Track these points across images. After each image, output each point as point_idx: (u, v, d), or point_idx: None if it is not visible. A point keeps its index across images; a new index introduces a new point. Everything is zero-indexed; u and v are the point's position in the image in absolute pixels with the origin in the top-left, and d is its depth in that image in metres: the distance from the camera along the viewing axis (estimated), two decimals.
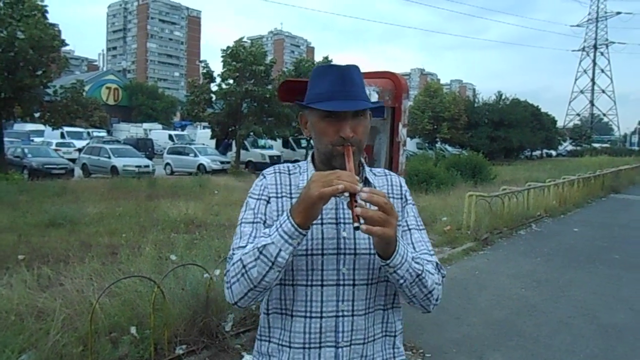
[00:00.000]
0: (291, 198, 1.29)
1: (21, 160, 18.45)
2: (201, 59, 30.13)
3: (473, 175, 16.52)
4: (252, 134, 23.57)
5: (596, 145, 63.31)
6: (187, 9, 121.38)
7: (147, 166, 19.88)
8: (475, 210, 8.83)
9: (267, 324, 1.31)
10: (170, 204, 10.90)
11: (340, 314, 1.24)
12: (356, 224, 1.06)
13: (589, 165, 24.12)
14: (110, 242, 7.13)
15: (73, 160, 21.36)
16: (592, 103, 79.81)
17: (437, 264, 1.30)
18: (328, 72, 1.27)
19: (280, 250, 1.12)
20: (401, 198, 1.37)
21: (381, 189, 1.35)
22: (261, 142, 26.63)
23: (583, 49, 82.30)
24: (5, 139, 19.21)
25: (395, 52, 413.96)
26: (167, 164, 23.65)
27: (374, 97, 3.34)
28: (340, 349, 1.23)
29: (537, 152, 51.67)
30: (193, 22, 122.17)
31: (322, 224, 1.25)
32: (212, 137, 25.59)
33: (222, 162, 23.05)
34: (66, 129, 28.23)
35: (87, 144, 25.97)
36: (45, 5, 17.21)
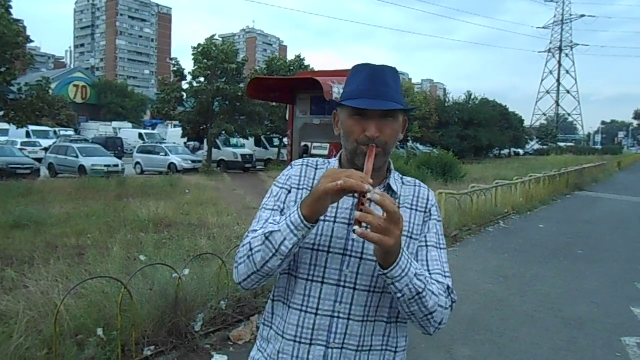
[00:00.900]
0: (310, 191, 1.26)
1: None
2: (172, 56, 29.80)
3: (443, 173, 16.76)
4: (224, 132, 23.38)
5: (561, 144, 65.16)
6: (158, 5, 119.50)
7: (117, 165, 19.49)
8: (445, 208, 8.97)
9: (271, 310, 1.33)
10: (139, 203, 10.73)
11: (336, 315, 1.23)
12: (356, 227, 1.03)
13: (555, 164, 24.75)
14: (77, 243, 6.98)
15: (39, 160, 20.77)
16: (557, 103, 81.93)
17: (448, 287, 1.26)
18: (361, 70, 1.27)
19: (284, 239, 1.13)
20: (425, 212, 1.33)
21: (405, 198, 1.33)
22: (233, 140, 26.45)
23: (549, 51, 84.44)
24: None
25: (368, 52, 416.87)
26: (137, 163, 23.24)
27: None
28: (330, 350, 1.22)
29: (506, 151, 52.78)
30: (164, 19, 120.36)
31: (334, 222, 1.25)
32: (183, 136, 25.29)
33: (193, 162, 22.79)
34: (32, 127, 27.57)
35: (54, 143, 25.33)
36: (9, 1, 16.73)
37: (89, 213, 9.56)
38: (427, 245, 1.30)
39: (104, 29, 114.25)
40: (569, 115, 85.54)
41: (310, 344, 1.23)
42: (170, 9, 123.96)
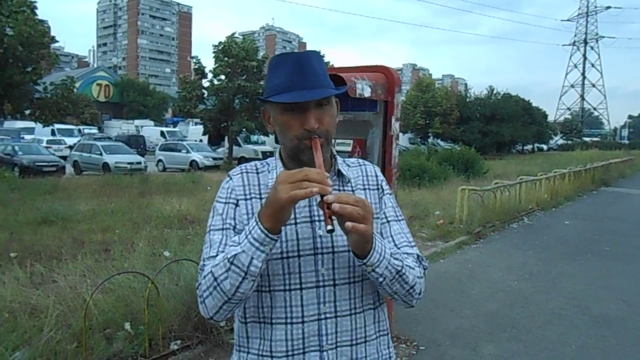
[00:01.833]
0: (261, 198, 1.22)
1: (12, 158, 18.27)
2: (192, 55, 30.04)
3: (465, 169, 16.61)
4: (244, 129, 23.51)
5: (587, 139, 63.84)
6: (178, 4, 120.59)
7: (139, 163, 19.77)
8: (468, 204, 8.88)
9: (245, 333, 1.23)
10: (163, 200, 10.86)
11: (323, 316, 1.18)
12: (329, 227, 1.00)
13: (580, 159, 24.29)
14: (103, 239, 7.10)
15: (64, 158, 21.22)
16: (582, 97, 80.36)
17: (418, 256, 1.25)
18: (284, 61, 1.19)
19: (252, 258, 1.05)
20: (378, 189, 1.31)
21: (356, 180, 1.30)
22: (254, 137, 26.58)
23: (573, 44, 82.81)
24: None
25: (387, 48, 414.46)
26: (159, 160, 23.55)
27: (367, 92, 3.34)
28: (325, 353, 1.17)
29: (529, 147, 52.03)
30: (184, 17, 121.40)
31: (296, 223, 1.18)
32: (204, 134, 25.51)
33: (214, 159, 22.99)
34: (57, 126, 28.12)
35: (79, 141, 25.79)
36: (35, 2, 17.10)
37: (113, 209, 9.71)
38: (388, 221, 1.28)
39: (126, 28, 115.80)
40: (595, 109, 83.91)
41: (304, 353, 1.17)
42: (191, 7, 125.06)
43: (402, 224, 1.30)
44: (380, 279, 1.14)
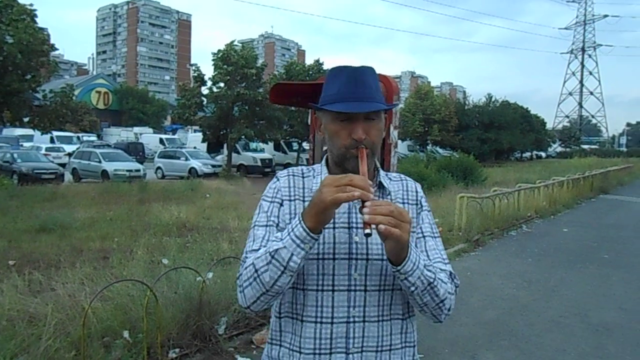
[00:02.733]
0: (304, 201, 1.28)
1: (10, 165, 18.25)
2: (192, 62, 30.11)
3: (464, 177, 16.61)
4: (243, 137, 23.54)
5: (585, 146, 63.98)
6: (178, 12, 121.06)
7: (138, 170, 19.75)
8: (467, 211, 8.89)
9: (278, 327, 1.30)
10: (161, 207, 10.86)
11: (352, 320, 1.22)
12: (367, 230, 1.04)
13: (578, 167, 24.34)
14: (101, 247, 7.10)
15: (63, 165, 21.22)
16: (580, 105, 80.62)
17: (450, 273, 1.28)
18: (340, 73, 1.26)
19: (292, 254, 1.11)
20: (416, 204, 1.35)
21: (396, 194, 1.34)
22: (253, 145, 26.60)
23: (571, 52, 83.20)
24: None
25: (386, 55, 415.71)
26: (158, 168, 23.56)
27: None
28: (351, 355, 1.22)
29: (527, 154, 52.12)
30: (183, 25, 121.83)
31: (334, 228, 1.24)
32: (203, 141, 25.53)
33: (213, 166, 23.00)
34: (56, 133, 28.13)
35: (77, 148, 25.80)
36: (35, 10, 17.14)
37: (112, 217, 9.71)
38: (424, 236, 1.32)
39: (125, 36, 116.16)
40: (593, 117, 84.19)
41: (330, 353, 1.22)
42: (190, 15, 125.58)
43: (438, 241, 1.34)
44: (412, 288, 1.17)
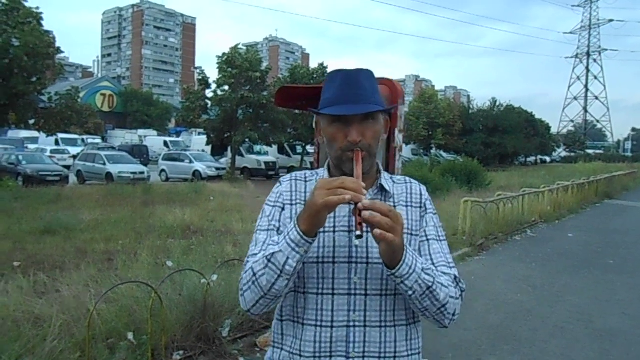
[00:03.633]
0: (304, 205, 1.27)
1: (15, 167, 18.36)
2: (196, 65, 30.21)
3: (468, 181, 16.57)
4: (247, 140, 23.58)
5: (590, 151, 63.75)
6: (182, 15, 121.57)
7: (142, 173, 19.81)
8: (471, 216, 8.88)
9: (280, 330, 1.30)
10: (166, 210, 10.88)
11: (352, 324, 1.21)
12: (358, 232, 1.04)
13: (583, 172, 24.25)
14: (106, 249, 7.12)
15: (68, 167, 21.27)
16: (585, 110, 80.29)
17: (455, 277, 1.27)
18: (336, 77, 1.27)
19: (287, 258, 1.12)
20: (420, 207, 1.34)
21: (399, 196, 1.33)
22: (257, 148, 26.63)
23: (576, 56, 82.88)
24: None
25: (390, 59, 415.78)
26: (162, 170, 23.61)
27: None
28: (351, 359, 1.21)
29: (532, 158, 51.90)
30: (188, 28, 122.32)
31: (334, 231, 1.24)
32: (207, 144, 25.59)
33: (217, 169, 23.04)
34: (61, 135, 28.19)
35: (82, 150, 25.89)
36: (41, 13, 17.23)
37: (116, 219, 9.74)
38: (427, 240, 1.30)
39: (130, 39, 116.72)
40: (598, 121, 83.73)
41: (331, 357, 1.21)
42: (195, 18, 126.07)
43: (443, 244, 1.32)
44: (410, 292, 1.16)
